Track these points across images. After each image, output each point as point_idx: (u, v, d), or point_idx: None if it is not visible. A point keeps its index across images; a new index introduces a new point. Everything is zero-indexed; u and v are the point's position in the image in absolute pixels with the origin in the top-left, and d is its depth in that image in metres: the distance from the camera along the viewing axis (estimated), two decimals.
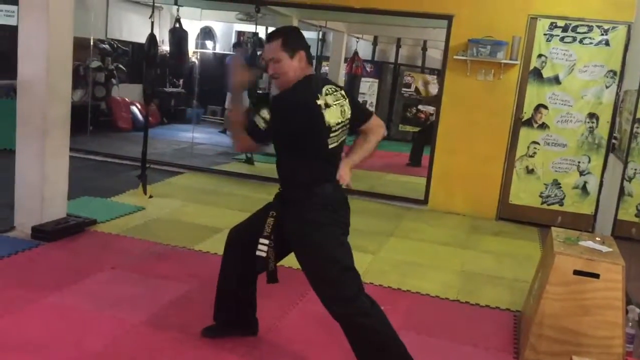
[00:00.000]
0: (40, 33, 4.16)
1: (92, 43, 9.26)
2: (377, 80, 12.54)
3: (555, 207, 6.13)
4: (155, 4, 5.93)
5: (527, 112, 6.08)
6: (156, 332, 3.09)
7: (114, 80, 9.76)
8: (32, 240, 4.22)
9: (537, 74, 6.01)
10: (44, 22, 4.15)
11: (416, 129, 12.24)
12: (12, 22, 7.30)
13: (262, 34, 11.82)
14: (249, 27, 12.50)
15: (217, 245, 4.56)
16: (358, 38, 12.00)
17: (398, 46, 12.62)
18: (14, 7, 7.17)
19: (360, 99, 12.05)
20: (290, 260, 4.34)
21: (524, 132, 6.12)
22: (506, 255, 5.10)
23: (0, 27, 7.74)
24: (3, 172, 5.09)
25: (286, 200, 2.71)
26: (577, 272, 3.00)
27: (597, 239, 3.34)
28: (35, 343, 2.87)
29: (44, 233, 4.26)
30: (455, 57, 6.09)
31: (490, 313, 3.82)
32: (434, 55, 11.77)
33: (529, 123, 6.10)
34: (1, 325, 2.99)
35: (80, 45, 8.51)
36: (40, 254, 4.05)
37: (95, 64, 9.32)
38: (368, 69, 12.46)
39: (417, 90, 12.17)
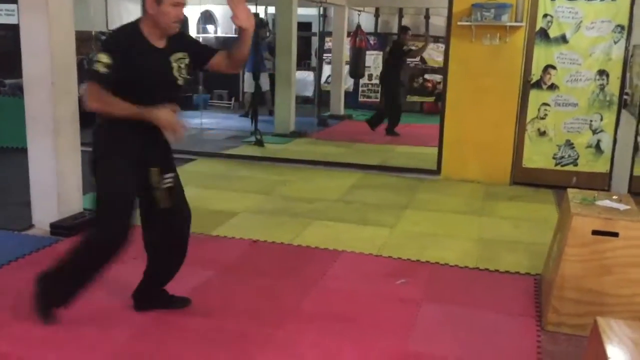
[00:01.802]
0: (42, 30, 4.16)
1: (93, 36, 9.24)
2: (381, 53, 12.41)
3: (570, 167, 6.08)
4: None
5: (536, 73, 6.01)
6: (183, 318, 3.13)
7: None
8: (52, 237, 4.27)
9: (544, 34, 5.93)
10: (44, 19, 4.14)
11: (425, 99, 12.19)
12: (13, 20, 7.34)
13: (262, 14, 11.76)
14: (249, 7, 12.41)
15: (233, 229, 4.60)
16: (359, 11, 11.87)
17: (400, 16, 12.48)
18: (13, 6, 7.20)
19: (365, 73, 11.97)
20: (308, 239, 4.40)
21: (533, 94, 6.05)
22: (523, 219, 5.08)
23: (2, 26, 7.80)
24: (18, 170, 5.14)
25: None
26: (595, 232, 2.99)
27: (614, 197, 3.32)
28: (61, 337, 2.91)
29: (62, 229, 4.30)
30: (459, 23, 6.01)
31: (510, 278, 3.83)
32: (438, 23, 11.63)
33: (538, 85, 6.03)
34: (28, 323, 3.04)
35: (82, 39, 8.49)
36: (60, 250, 4.08)
37: None
38: (372, 42, 12.34)
39: (422, 59, 12.05)
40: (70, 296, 2.97)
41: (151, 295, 3.20)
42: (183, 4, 2.77)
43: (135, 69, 2.72)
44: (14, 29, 6.93)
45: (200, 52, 2.99)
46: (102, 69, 2.66)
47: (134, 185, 2.85)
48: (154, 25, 2.78)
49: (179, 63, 2.87)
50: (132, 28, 2.83)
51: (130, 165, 2.83)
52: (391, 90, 9.53)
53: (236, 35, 2.96)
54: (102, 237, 2.85)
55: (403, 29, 9.81)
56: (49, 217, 4.36)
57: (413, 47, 9.80)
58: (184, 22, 8.71)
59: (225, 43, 12.37)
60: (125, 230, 2.82)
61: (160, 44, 2.83)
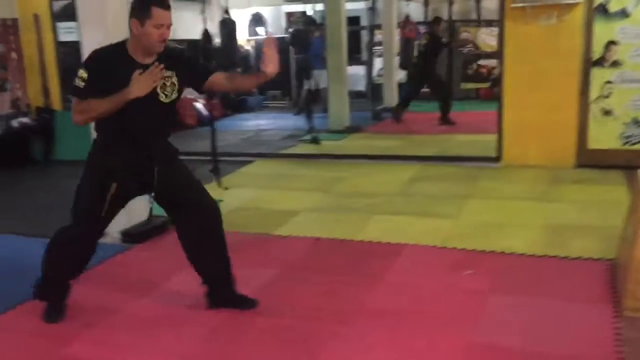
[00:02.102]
0: (101, 44, 4.29)
1: None
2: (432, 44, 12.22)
3: (638, 146, 5.82)
4: None
5: (597, 51, 5.78)
6: (252, 318, 3.18)
7: None
8: (122, 244, 4.43)
9: (603, 9, 5.69)
10: (103, 34, 4.27)
11: (480, 86, 11.94)
12: (73, 38, 7.64)
13: (310, 12, 11.81)
14: (297, 7, 12.50)
15: (295, 228, 4.64)
16: (408, 1, 11.73)
17: (450, 3, 12.25)
18: (73, 24, 7.49)
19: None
20: (370, 234, 4.39)
21: (595, 72, 5.82)
22: (591, 203, 4.91)
23: (63, 43, 8.14)
24: None
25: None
26: None
27: None
28: (138, 341, 3.02)
29: (132, 236, 4.45)
30: (512, 5, 5.85)
31: (581, 264, 3.70)
32: (490, 6, 11.37)
33: (599, 63, 5.80)
34: (105, 328, 3.16)
35: None
36: (131, 257, 4.25)
37: None
38: (422, 31, 12.17)
39: (475, 45, 11.81)
40: (53, 287, 3.23)
41: (220, 295, 3.27)
42: (167, 25, 2.85)
43: (115, 83, 2.79)
44: (74, 46, 7.23)
45: (195, 72, 3.10)
46: (79, 82, 2.84)
47: (100, 195, 3.01)
48: (137, 45, 2.88)
49: (164, 80, 2.91)
50: (116, 45, 2.96)
51: (106, 178, 2.99)
52: (436, 82, 9.42)
53: (258, 70, 3.08)
54: (72, 230, 3.11)
55: (436, 20, 9.62)
56: (119, 225, 4.49)
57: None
58: (232, 25, 8.86)
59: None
60: (90, 228, 3.11)
61: (146, 60, 2.89)
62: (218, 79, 3.08)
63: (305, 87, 9.68)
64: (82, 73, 2.84)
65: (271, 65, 2.96)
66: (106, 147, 3.02)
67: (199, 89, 3.18)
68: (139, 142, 2.97)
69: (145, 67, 2.85)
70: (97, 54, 2.97)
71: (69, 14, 7.59)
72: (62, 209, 5.48)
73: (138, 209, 4.62)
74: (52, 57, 8.06)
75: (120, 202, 3.11)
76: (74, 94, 2.88)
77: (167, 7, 2.85)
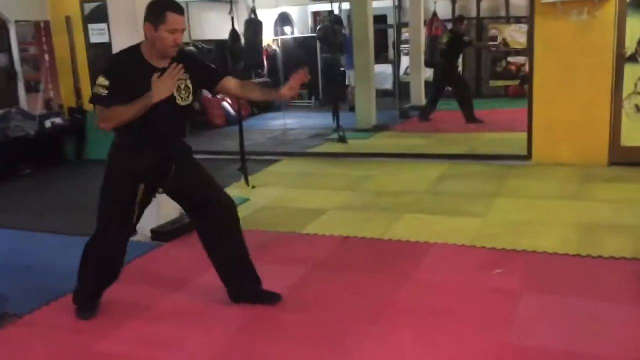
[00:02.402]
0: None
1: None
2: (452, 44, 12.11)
3: None
4: None
5: (630, 46, 5.65)
6: (281, 315, 3.20)
7: None
8: (153, 242, 4.49)
9: (637, 4, 5.57)
10: (134, 36, 4.29)
11: (509, 83, 11.79)
12: (104, 39, 7.77)
13: (337, 11, 11.79)
14: (323, 6, 12.50)
15: (323, 226, 4.64)
16: None
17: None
18: (104, 25, 7.62)
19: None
20: (398, 233, 4.38)
21: (628, 68, 5.70)
22: (624, 201, 4.81)
23: (95, 45, 8.28)
24: None
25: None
26: None
27: None
28: (169, 338, 3.06)
29: (162, 234, 4.51)
30: (543, 1, 5.76)
31: (615, 264, 3.63)
32: (518, 3, 11.22)
33: (633, 58, 5.68)
34: (137, 325, 3.21)
35: None
36: (162, 254, 4.30)
37: None
38: (449, 29, 12.06)
39: (504, 42, 11.66)
40: (89, 297, 3.31)
41: (239, 291, 3.33)
42: (181, 30, 2.88)
43: (135, 88, 2.83)
44: (105, 47, 7.35)
45: (206, 76, 3.16)
46: (101, 91, 2.86)
47: (128, 197, 3.08)
48: (151, 49, 2.92)
49: (179, 83, 2.94)
50: (131, 50, 2.99)
51: (133, 180, 3.05)
52: (456, 80, 9.34)
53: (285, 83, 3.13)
54: (102, 241, 3.17)
55: (459, 19, 9.51)
56: (150, 223, 4.56)
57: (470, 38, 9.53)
58: (258, 25, 8.90)
59: (302, 43, 12.53)
60: (120, 235, 3.19)
61: (161, 64, 2.93)
62: (229, 83, 3.15)
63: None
64: (103, 81, 2.86)
65: (289, 91, 3.06)
66: (128, 149, 3.05)
67: (211, 91, 3.28)
68: (159, 143, 3.03)
69: (162, 71, 2.89)
70: (115, 61, 3.04)
71: (100, 15, 7.74)
72: (94, 208, 5.60)
73: (167, 207, 4.67)
74: (84, 58, 8.20)
75: (145, 203, 3.17)
76: (98, 103, 2.90)
77: (181, 12, 2.91)
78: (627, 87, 5.74)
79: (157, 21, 2.84)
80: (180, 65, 2.87)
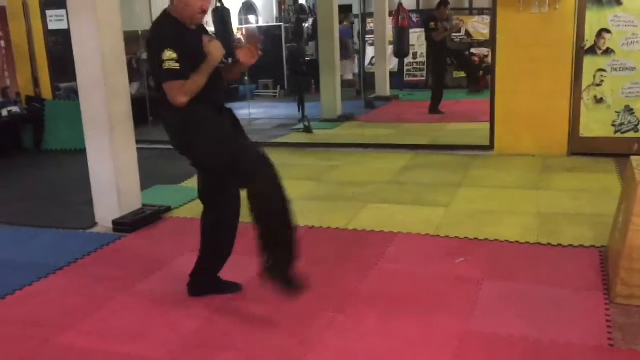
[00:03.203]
0: (92, 34, 4.26)
1: (140, 35, 9.41)
2: (424, 30, 12.19)
3: (630, 134, 5.84)
4: None
5: (589, 39, 5.78)
6: (246, 306, 3.19)
7: None
8: (115, 234, 4.41)
9: None
10: (93, 22, 4.24)
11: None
12: (63, 26, 7.56)
13: (303, 1, 11.74)
14: None
15: None
16: None
17: None
18: (62, 12, 7.42)
19: (410, 51, 11.81)
20: (363, 223, 4.39)
21: (588, 60, 5.83)
22: (583, 191, 4.93)
23: (53, 32, 8.06)
24: (78, 171, 5.32)
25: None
26: None
27: None
28: (132, 330, 3.01)
29: (124, 225, 4.44)
30: None
31: (574, 252, 3.72)
32: None
33: (592, 50, 5.80)
34: (99, 317, 3.15)
35: (129, 39, 8.64)
36: (123, 246, 4.23)
37: (146, 55, 9.49)
38: (414, 20, 12.13)
39: (467, 33, 11.78)
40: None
41: (205, 282, 3.30)
42: None
43: (194, 52, 2.83)
44: (64, 34, 7.16)
45: None
46: (173, 65, 2.77)
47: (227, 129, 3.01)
48: (180, 15, 2.89)
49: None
50: (167, 18, 2.93)
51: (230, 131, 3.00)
52: (432, 67, 9.35)
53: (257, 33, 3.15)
54: (263, 178, 2.92)
55: (442, 2, 9.50)
56: (111, 214, 4.49)
57: (446, 25, 9.40)
58: (227, 13, 8.79)
59: (267, 32, 12.44)
60: (237, 198, 3.09)
61: (193, 27, 2.97)
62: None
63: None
64: (171, 54, 2.76)
65: (242, 55, 2.99)
66: (203, 109, 2.94)
67: None
68: (217, 101, 3.03)
69: (197, 33, 2.94)
70: (168, 30, 2.89)
71: (58, 1, 7.53)
72: (52, 198, 5.48)
73: (130, 198, 4.61)
74: (42, 45, 7.98)
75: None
76: (176, 77, 2.79)
77: None
78: (587, 79, 5.87)
79: None
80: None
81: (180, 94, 2.81)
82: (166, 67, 2.77)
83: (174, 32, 2.88)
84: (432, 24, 9.09)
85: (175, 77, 2.79)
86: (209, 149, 2.94)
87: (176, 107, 2.87)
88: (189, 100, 2.85)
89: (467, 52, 11.78)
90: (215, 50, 2.85)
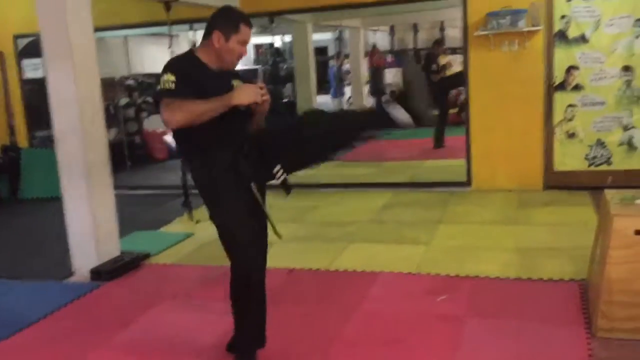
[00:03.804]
0: (68, 82, 4.27)
1: (117, 81, 9.47)
2: (400, 69, 12.44)
3: (604, 167, 5.96)
4: (172, 33, 6.01)
5: (559, 76, 5.94)
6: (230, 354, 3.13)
7: (143, 114, 9.95)
8: (92, 282, 4.33)
9: (563, 36, 5.87)
10: (69, 70, 4.25)
11: (449, 111, 12.10)
12: (39, 74, 7.56)
13: (278, 44, 11.94)
14: (265, 39, 12.61)
15: (269, 259, 4.55)
16: (375, 31, 11.94)
17: (415, 31, 12.51)
18: (38, 60, 7.42)
19: (387, 90, 12.02)
20: (345, 263, 4.38)
21: (558, 96, 5.97)
22: (560, 224, 4.98)
23: (29, 80, 8.05)
24: (54, 220, 5.24)
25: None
26: (639, 232, 2.91)
27: None
28: None
29: (102, 274, 4.36)
30: (475, 34, 5.99)
31: (554, 286, 3.74)
32: (454, 34, 11.61)
33: (562, 87, 5.95)
34: None
35: (107, 85, 8.68)
36: (102, 295, 4.15)
37: (124, 101, 9.54)
38: (389, 59, 12.38)
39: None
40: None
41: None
42: (247, 43, 2.78)
43: (202, 89, 2.66)
44: (40, 83, 7.16)
45: None
46: (169, 85, 2.62)
47: (255, 212, 2.85)
48: (215, 58, 2.76)
49: (236, 85, 2.81)
50: (188, 55, 2.84)
51: (243, 199, 2.81)
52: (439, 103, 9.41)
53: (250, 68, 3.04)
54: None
55: (437, 42, 9.68)
56: (89, 262, 4.42)
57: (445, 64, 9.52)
58: None
59: (244, 75, 12.56)
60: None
61: (217, 69, 2.81)
62: None
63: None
64: (169, 76, 2.63)
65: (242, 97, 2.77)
66: (220, 160, 2.77)
67: None
68: (236, 141, 2.80)
69: (219, 74, 2.77)
70: (178, 60, 2.82)
71: (34, 50, 7.54)
72: (28, 248, 5.39)
73: (107, 245, 4.55)
74: (18, 94, 7.95)
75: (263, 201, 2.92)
76: (166, 95, 2.62)
77: (251, 26, 2.80)
78: (558, 115, 6.00)
79: (229, 31, 2.71)
80: (264, 86, 2.76)
81: (170, 110, 2.59)
82: (160, 88, 2.65)
83: (182, 63, 2.77)
84: (435, 65, 9.22)
85: (168, 94, 2.62)
86: (214, 212, 2.85)
87: (194, 155, 2.79)
88: (210, 144, 2.72)
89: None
90: (241, 92, 2.65)
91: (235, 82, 2.82)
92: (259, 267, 2.87)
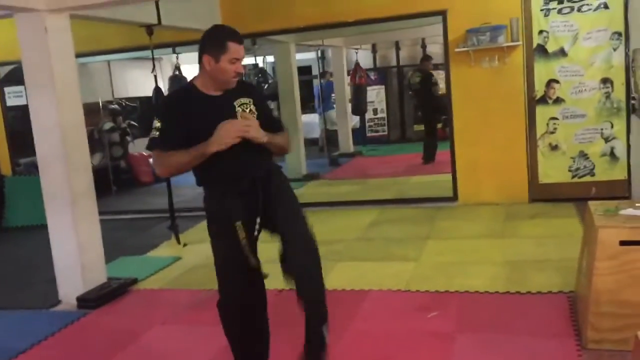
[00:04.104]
0: (50, 109, 4.26)
1: (101, 106, 9.45)
2: (382, 86, 12.54)
3: (587, 178, 6.02)
4: (155, 56, 6.02)
5: (539, 89, 6.02)
6: None
7: (128, 138, 9.92)
8: (79, 310, 4.28)
9: (542, 50, 5.96)
10: (52, 98, 4.24)
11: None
12: (22, 102, 7.53)
13: (261, 64, 11.98)
14: (248, 60, 12.65)
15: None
16: (357, 49, 12.04)
17: (397, 49, 12.64)
18: (21, 88, 7.40)
19: (370, 107, 12.09)
20: (333, 282, 4.36)
21: (540, 110, 6.05)
22: (547, 236, 5.02)
23: (13, 107, 8.01)
24: (39, 248, 5.19)
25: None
26: (623, 243, 2.94)
27: (637, 205, 3.27)
28: None
29: (88, 301, 4.31)
30: (456, 50, 6.07)
31: (542, 299, 3.75)
32: (435, 50, 11.75)
33: (543, 100, 6.03)
34: None
35: (90, 110, 8.66)
36: (89, 323, 4.10)
37: (108, 125, 9.50)
38: (372, 77, 12.48)
39: None
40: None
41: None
42: (241, 59, 2.71)
43: (194, 122, 2.64)
44: (23, 110, 7.12)
45: (265, 119, 2.79)
46: (154, 133, 2.65)
47: (235, 248, 2.77)
48: (210, 82, 2.72)
49: (242, 107, 2.74)
50: (183, 87, 2.84)
51: (228, 230, 2.75)
52: (429, 119, 9.45)
53: None
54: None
55: (426, 58, 9.77)
56: (75, 290, 4.37)
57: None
58: (183, 81, 8.88)
59: None
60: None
61: (217, 93, 2.74)
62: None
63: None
64: (156, 123, 2.66)
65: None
66: (211, 192, 2.80)
67: None
68: (236, 177, 2.73)
69: (217, 98, 2.71)
70: (167, 100, 2.83)
71: (16, 78, 7.52)
72: (13, 277, 5.31)
73: (94, 272, 4.51)
74: (0, 122, 7.90)
75: (254, 240, 2.88)
76: (153, 147, 2.66)
77: (241, 41, 2.72)
78: (540, 128, 6.07)
79: (217, 52, 2.64)
80: (251, 116, 2.71)
81: (157, 164, 2.72)
82: (150, 136, 2.67)
83: (172, 101, 2.82)
84: (434, 78, 9.27)
85: (152, 146, 2.66)
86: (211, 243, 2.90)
87: (203, 188, 2.82)
88: (201, 177, 2.76)
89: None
90: (218, 136, 2.56)
91: (242, 101, 2.74)
92: (234, 299, 2.87)
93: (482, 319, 3.56)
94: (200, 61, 2.70)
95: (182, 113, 2.66)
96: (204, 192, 2.83)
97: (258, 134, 2.64)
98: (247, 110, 2.74)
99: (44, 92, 4.25)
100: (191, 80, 2.78)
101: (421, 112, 9.67)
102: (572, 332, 3.23)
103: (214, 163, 2.62)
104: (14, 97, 7.95)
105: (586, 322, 3.04)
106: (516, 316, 3.54)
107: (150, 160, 10.24)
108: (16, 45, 4.30)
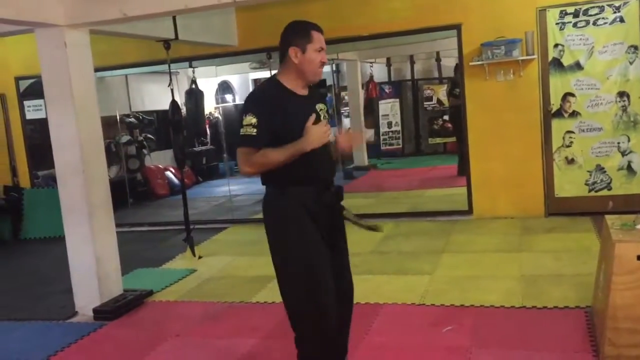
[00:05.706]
0: (69, 122, 4.31)
1: (118, 119, 9.56)
2: (397, 100, 12.56)
3: (604, 192, 5.97)
4: (172, 70, 6.10)
5: (555, 103, 6.00)
6: None
7: (145, 151, 10.02)
8: (95, 322, 4.31)
9: (558, 63, 5.94)
10: (70, 110, 4.30)
11: (447, 140, 12.17)
12: (41, 115, 7.65)
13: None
14: (263, 74, 12.76)
15: (272, 294, 4.56)
16: (371, 63, 12.07)
17: (412, 62, 12.65)
18: (40, 101, 7.52)
19: (384, 121, 12.11)
20: None
21: (556, 123, 6.02)
22: (563, 251, 4.97)
23: (31, 121, 8.14)
24: (56, 259, 5.25)
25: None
26: None
27: None
28: None
29: (105, 313, 4.34)
30: (471, 63, 6.07)
31: (559, 314, 3.72)
32: (450, 64, 11.76)
33: (559, 114, 6.01)
34: None
35: (108, 124, 8.79)
36: (105, 335, 4.13)
37: (125, 138, 9.61)
38: (387, 90, 12.50)
39: (439, 101, 12.14)
40: None
41: None
42: (325, 49, 2.71)
43: (288, 120, 2.60)
44: (42, 123, 7.23)
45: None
46: (249, 130, 2.55)
47: (324, 251, 2.74)
48: (297, 76, 2.69)
49: (322, 113, 2.76)
50: (271, 82, 2.75)
51: (313, 229, 2.71)
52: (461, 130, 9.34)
53: None
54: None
55: (457, 68, 9.72)
56: (92, 302, 4.41)
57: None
58: (199, 95, 8.98)
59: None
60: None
61: (304, 92, 2.73)
62: None
63: None
64: (251, 119, 2.55)
65: (342, 139, 2.89)
66: (294, 194, 2.70)
67: None
68: (319, 178, 2.74)
69: (306, 99, 2.71)
70: (259, 96, 2.72)
71: (35, 91, 7.65)
72: (30, 289, 5.37)
73: (109, 284, 4.54)
74: (20, 135, 8.03)
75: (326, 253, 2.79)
76: (247, 145, 2.56)
77: (322, 31, 2.72)
78: (556, 141, 6.04)
79: (304, 42, 2.64)
80: (326, 122, 2.71)
81: (245, 163, 2.57)
82: (241, 133, 2.57)
83: (265, 96, 2.68)
84: (457, 90, 9.22)
85: (246, 143, 2.56)
86: (282, 262, 2.81)
87: (271, 188, 2.74)
88: (285, 178, 2.65)
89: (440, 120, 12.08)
90: (311, 137, 2.56)
91: (320, 106, 2.75)
92: (330, 326, 2.73)
93: (497, 333, 3.54)
94: (284, 58, 2.68)
95: (277, 110, 2.60)
96: (275, 193, 2.73)
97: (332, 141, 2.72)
98: (326, 116, 2.79)
99: (63, 106, 4.31)
100: (274, 77, 2.73)
101: (455, 123, 9.56)
102: (589, 348, 3.19)
103: (301, 163, 2.59)
104: (33, 110, 8.07)
105: (603, 338, 3.01)
106: (532, 331, 3.50)
107: (167, 172, 10.34)
108: (36, 60, 4.38)
